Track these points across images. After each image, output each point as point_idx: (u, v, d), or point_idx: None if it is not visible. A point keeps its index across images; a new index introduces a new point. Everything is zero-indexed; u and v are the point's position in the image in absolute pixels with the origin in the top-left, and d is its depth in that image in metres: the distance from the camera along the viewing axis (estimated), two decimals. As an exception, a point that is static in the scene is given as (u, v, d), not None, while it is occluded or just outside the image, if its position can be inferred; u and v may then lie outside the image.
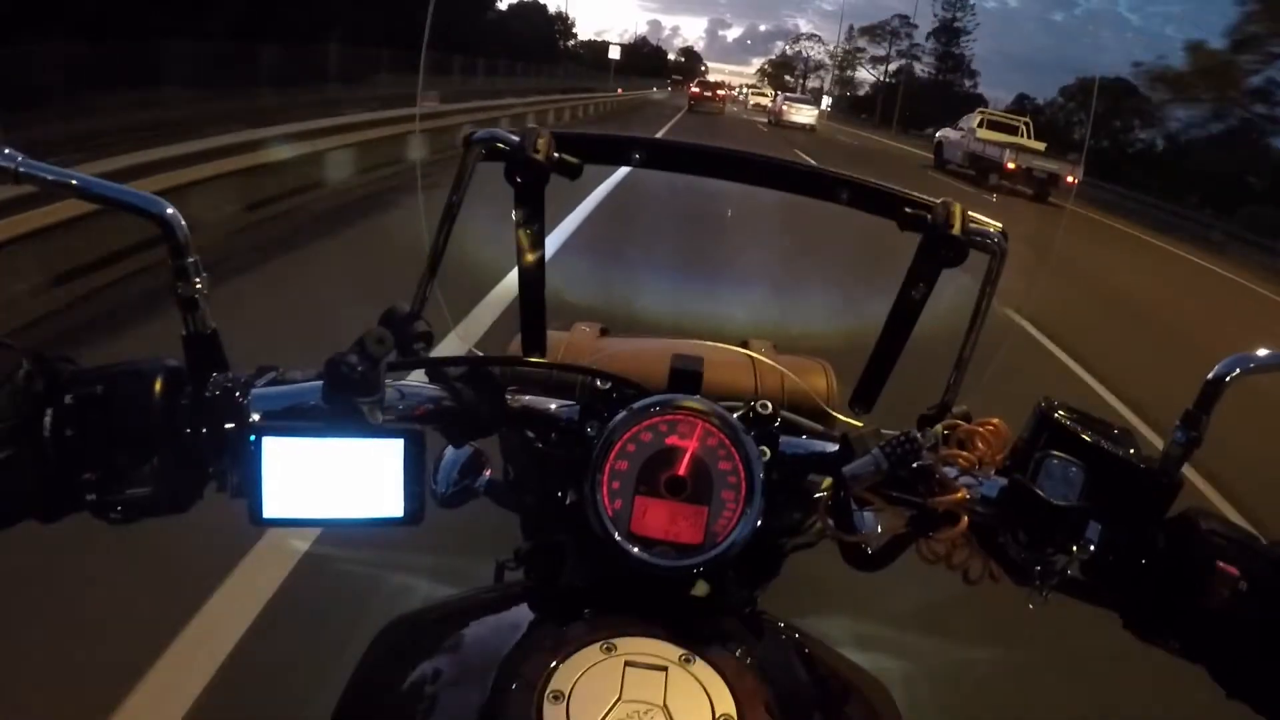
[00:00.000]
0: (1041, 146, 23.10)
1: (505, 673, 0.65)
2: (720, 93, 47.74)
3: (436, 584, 2.29)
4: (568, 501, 0.78)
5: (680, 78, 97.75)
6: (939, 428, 0.73)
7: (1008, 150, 21.23)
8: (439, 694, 0.70)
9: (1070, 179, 19.56)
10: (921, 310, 0.82)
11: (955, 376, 0.84)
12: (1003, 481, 0.72)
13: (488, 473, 0.89)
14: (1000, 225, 0.82)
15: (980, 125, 24.32)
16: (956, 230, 0.78)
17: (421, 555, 2.36)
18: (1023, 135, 24.15)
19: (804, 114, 40.08)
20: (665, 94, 55.84)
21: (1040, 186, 20.44)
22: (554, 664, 0.63)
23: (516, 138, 0.80)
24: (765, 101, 57.58)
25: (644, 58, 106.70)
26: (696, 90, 46.13)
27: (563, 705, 0.60)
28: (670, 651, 0.65)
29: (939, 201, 0.81)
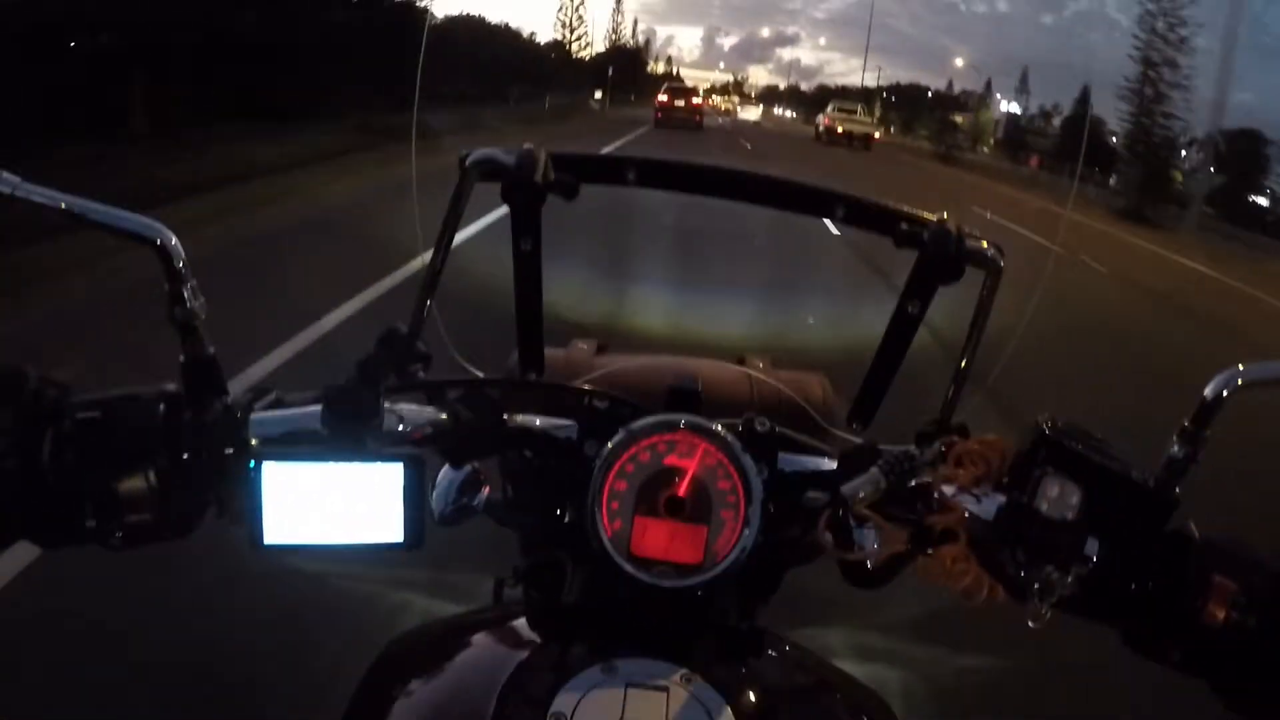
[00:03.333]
0: (867, 119, 40.77)
1: (508, 695, 0.66)
2: (696, 101, 37.00)
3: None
4: (566, 520, 0.78)
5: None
6: (937, 445, 0.73)
7: (837, 125, 38.28)
8: (444, 715, 0.70)
9: (876, 135, 38.67)
10: (919, 326, 0.82)
11: (953, 391, 0.84)
12: (1001, 499, 0.72)
13: (485, 491, 0.89)
14: (997, 245, 0.82)
15: (831, 109, 42.52)
16: (952, 247, 0.79)
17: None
18: (859, 113, 41.29)
19: (751, 113, 66.22)
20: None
21: (861, 142, 36.48)
22: (555, 687, 0.64)
23: (513, 157, 0.80)
24: (724, 105, 74.04)
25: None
26: (665, 99, 34.80)
27: None
28: (671, 672, 0.66)
29: (935, 219, 0.81)
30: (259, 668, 2.20)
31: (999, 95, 78.09)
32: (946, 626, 2.50)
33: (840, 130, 37.18)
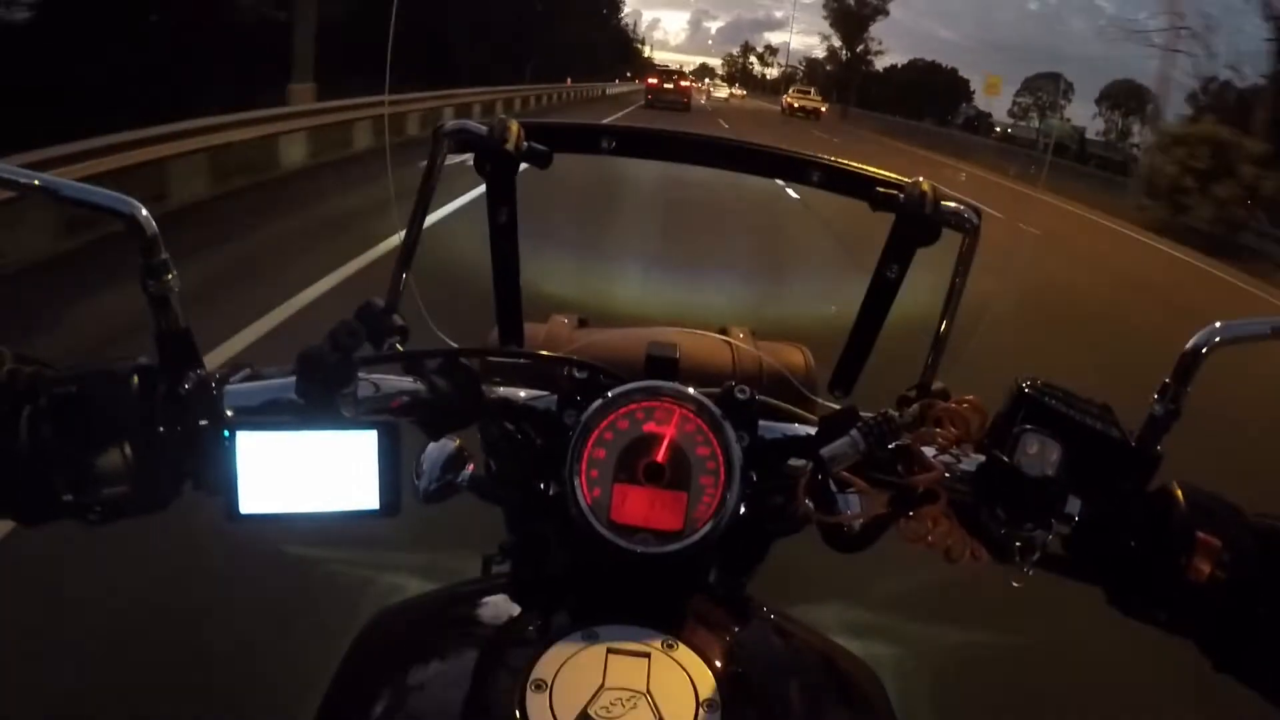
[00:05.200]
0: (817, 98, 52.52)
1: (488, 663, 0.65)
2: (684, 83, 39.62)
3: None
4: (550, 492, 0.78)
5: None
6: (916, 407, 0.73)
7: (795, 102, 50.02)
8: (424, 685, 0.70)
9: (823, 108, 50.73)
10: (898, 290, 0.82)
11: (932, 356, 0.84)
12: (981, 458, 0.72)
13: (470, 467, 0.88)
14: (974, 203, 0.82)
15: (791, 91, 58.42)
16: (928, 209, 0.79)
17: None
18: (812, 94, 54.05)
19: (722, 90, 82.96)
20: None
21: (814, 116, 46.70)
22: (537, 653, 0.63)
23: (485, 128, 0.80)
24: (698, 85, 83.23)
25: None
26: (654, 81, 38.45)
27: (545, 694, 0.60)
28: (653, 638, 0.65)
29: (910, 181, 0.81)
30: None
31: (1063, 102, 67.27)
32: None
33: (797, 105, 49.49)
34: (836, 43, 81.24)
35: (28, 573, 2.34)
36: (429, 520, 1.02)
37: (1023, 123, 67.20)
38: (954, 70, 79.20)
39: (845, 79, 74.55)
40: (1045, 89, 64.88)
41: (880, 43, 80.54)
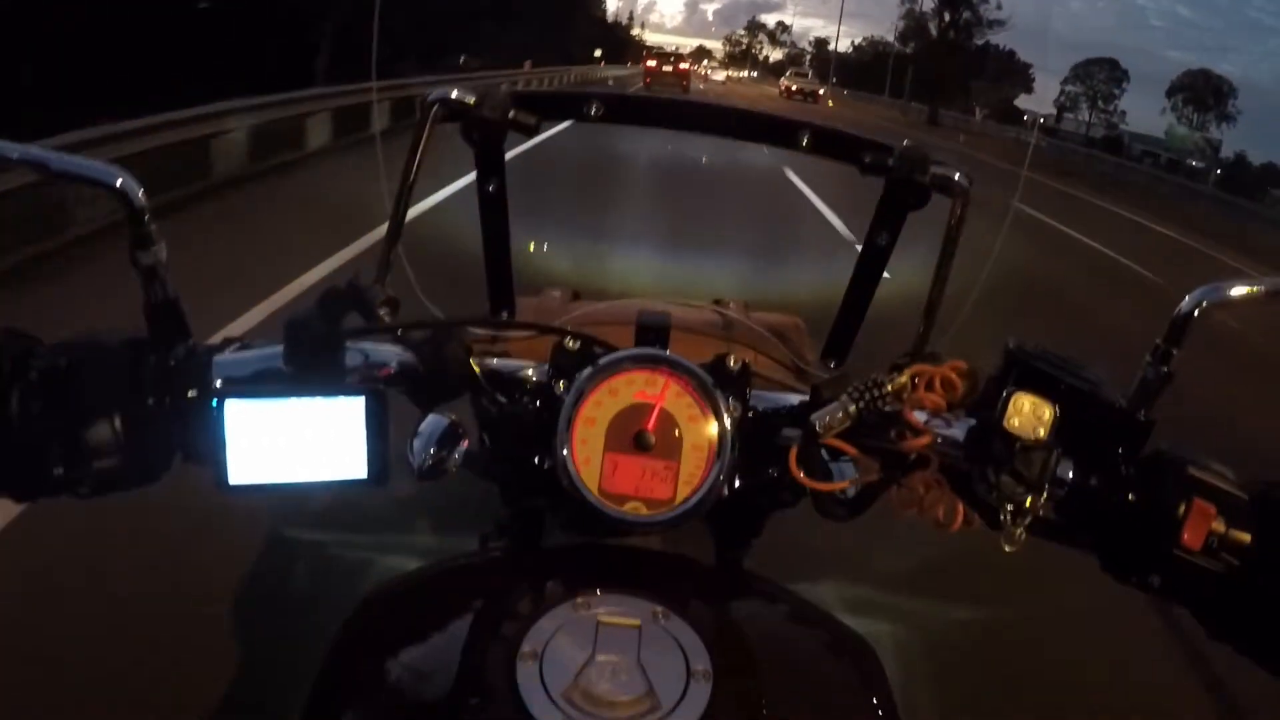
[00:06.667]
0: (816, 81, 59.86)
1: (479, 635, 0.65)
2: (683, 66, 39.46)
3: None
4: (543, 465, 0.77)
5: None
6: (907, 372, 0.72)
7: (792, 85, 53.83)
8: (416, 660, 0.69)
9: (821, 91, 53.63)
10: (889, 257, 0.82)
11: (925, 322, 0.84)
12: (971, 422, 0.72)
13: (464, 444, 0.88)
14: (964, 169, 0.82)
15: (788, 75, 65.72)
16: (919, 174, 0.78)
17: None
18: (807, 77, 63.69)
19: (718, 74, 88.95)
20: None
21: (811, 98, 48.98)
22: (526, 625, 0.63)
23: (472, 96, 0.80)
24: (695, 68, 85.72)
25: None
26: (653, 64, 38.35)
27: (535, 665, 0.60)
28: (644, 608, 0.65)
29: (900, 145, 0.81)
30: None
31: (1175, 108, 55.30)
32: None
33: (794, 88, 52.83)
34: (929, 4, 58.86)
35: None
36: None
37: (1069, 114, 61.26)
38: (1011, 53, 65.15)
39: (929, 65, 53.27)
40: (1098, 76, 60.08)
41: (999, 7, 56.46)
